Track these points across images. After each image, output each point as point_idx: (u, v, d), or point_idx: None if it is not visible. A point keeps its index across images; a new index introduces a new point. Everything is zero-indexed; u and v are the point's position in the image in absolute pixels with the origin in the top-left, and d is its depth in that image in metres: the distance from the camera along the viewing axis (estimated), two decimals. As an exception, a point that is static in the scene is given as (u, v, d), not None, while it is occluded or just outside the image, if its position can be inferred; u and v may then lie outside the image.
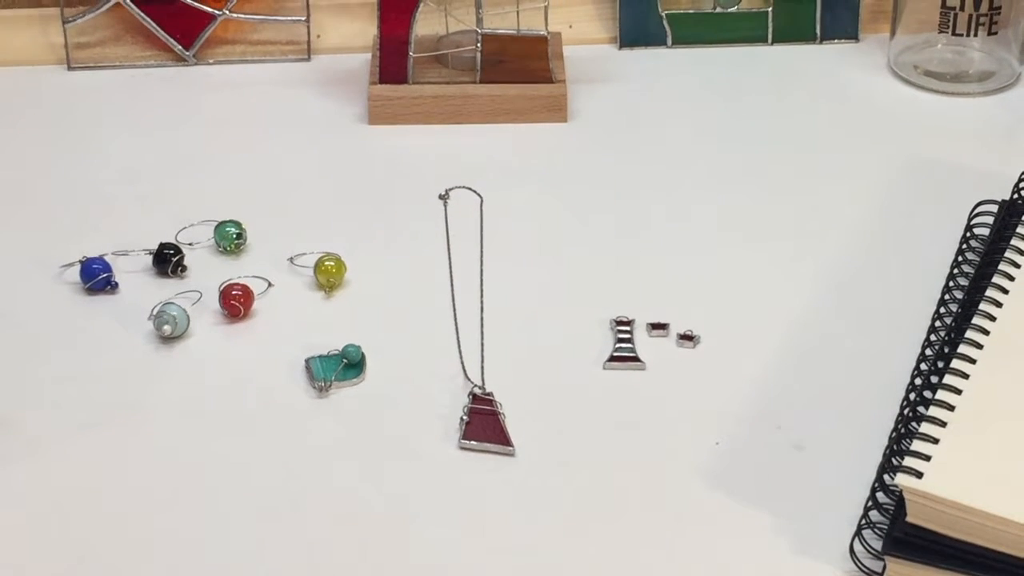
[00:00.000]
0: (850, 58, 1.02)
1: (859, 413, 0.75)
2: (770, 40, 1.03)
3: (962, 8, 0.98)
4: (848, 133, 0.96)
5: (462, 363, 0.79)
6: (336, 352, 0.78)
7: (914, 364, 0.76)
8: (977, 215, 0.85)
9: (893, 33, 1.01)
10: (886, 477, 0.68)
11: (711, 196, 0.91)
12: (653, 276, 0.85)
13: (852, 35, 1.04)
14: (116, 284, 0.83)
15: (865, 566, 0.66)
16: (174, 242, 0.86)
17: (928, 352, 0.76)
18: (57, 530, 0.69)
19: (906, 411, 0.72)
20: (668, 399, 0.77)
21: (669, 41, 1.03)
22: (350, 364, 0.78)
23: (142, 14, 1.00)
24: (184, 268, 0.85)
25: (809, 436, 0.74)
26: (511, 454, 0.73)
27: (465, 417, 0.74)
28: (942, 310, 0.79)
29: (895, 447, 0.69)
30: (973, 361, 0.70)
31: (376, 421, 0.75)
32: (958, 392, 0.69)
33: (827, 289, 0.83)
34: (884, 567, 0.66)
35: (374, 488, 0.71)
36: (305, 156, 0.94)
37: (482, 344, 0.80)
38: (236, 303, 0.81)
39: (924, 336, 0.78)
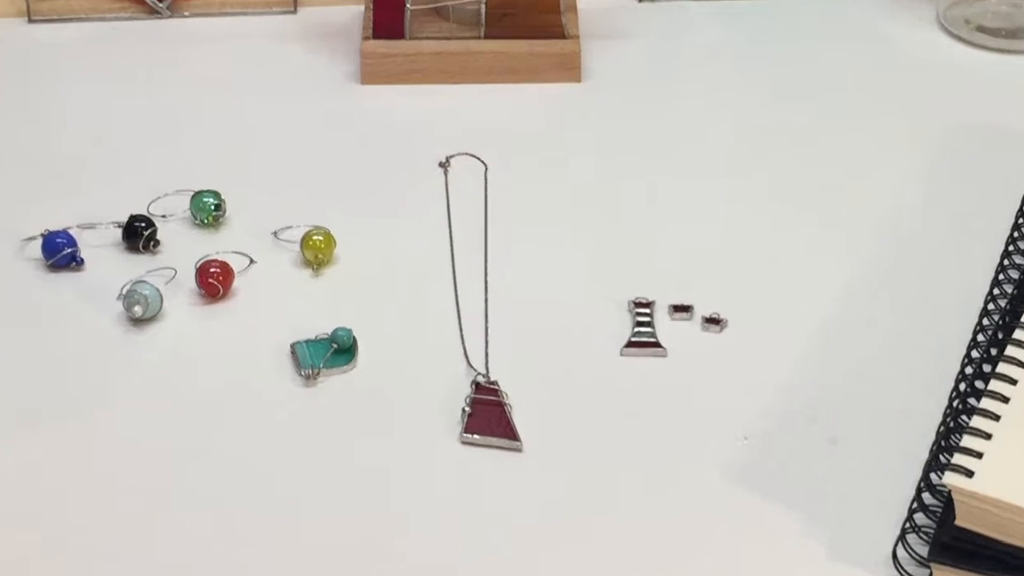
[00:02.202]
0: (895, 11, 1.02)
1: (902, 405, 0.75)
2: (805, -11, 1.04)
3: (1019, -43, 0.99)
4: (891, 94, 0.96)
5: (464, 349, 0.79)
6: (325, 336, 0.78)
7: (964, 351, 0.77)
8: (1034, 185, 0.87)
9: (943, -16, 1.03)
10: (933, 476, 0.68)
11: (739, 164, 0.91)
12: (675, 253, 0.85)
13: (898, -17, 1.05)
14: (82, 260, 0.83)
15: (909, 573, 0.66)
16: (146, 214, 0.86)
17: (980, 338, 0.76)
18: (15, 522, 0.69)
19: (955, 403, 0.72)
20: (691, 389, 0.77)
21: (693, -8, 1.04)
22: (340, 350, 0.78)
23: (110, -40, 1.01)
24: (157, 243, 0.85)
25: (846, 430, 0.74)
26: (518, 449, 0.73)
27: (467, 409, 0.74)
28: (995, 291, 0.79)
29: (943, 443, 0.69)
30: (1031, 347, 0.71)
31: (369, 413, 0.75)
32: (1013, 382, 0.68)
33: (867, 267, 0.83)
34: (930, 574, 0.66)
35: (366, 486, 0.71)
36: (291, 119, 0.94)
37: (486, 328, 0.80)
38: (214, 282, 0.81)
39: (975, 320, 0.78)
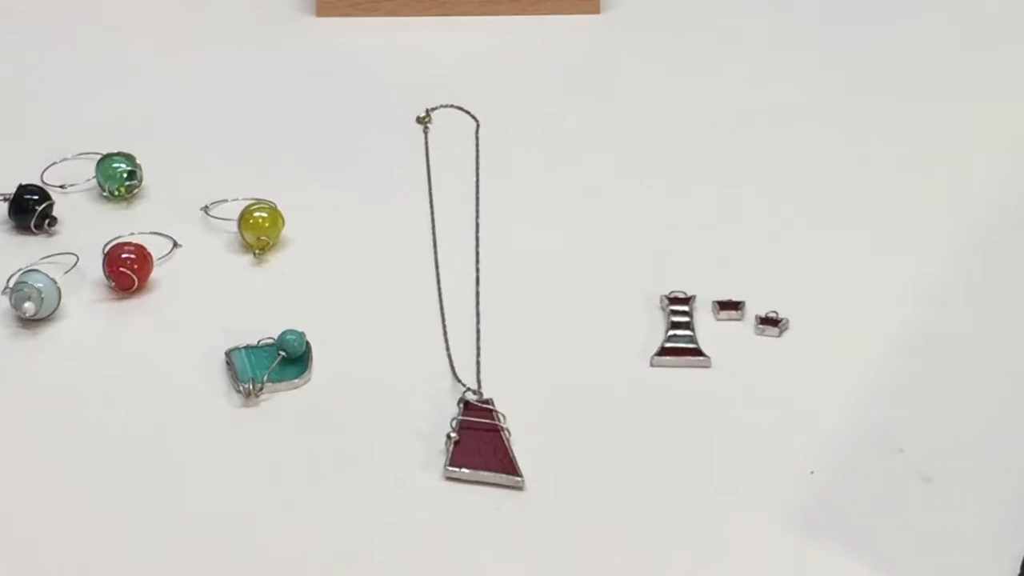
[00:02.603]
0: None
1: (1009, 433, 0.75)
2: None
3: None
4: (993, 41, 0.97)
5: (449, 358, 0.78)
6: (270, 342, 0.78)
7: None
8: None
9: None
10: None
11: (800, 127, 0.92)
12: (721, 236, 0.85)
13: None
14: (-43, 243, 0.83)
15: (1025, 648, 0.67)
16: (39, 184, 0.86)
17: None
18: None
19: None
20: (742, 409, 0.76)
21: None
22: (289, 359, 0.77)
23: None
24: (53, 221, 0.85)
25: (942, 464, 0.74)
26: (519, 487, 0.72)
27: (454, 435, 0.74)
28: None
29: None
30: None
31: (326, 440, 0.75)
32: None
33: (966, 263, 0.83)
34: (1052, 649, 0.66)
35: (322, 535, 0.71)
36: (227, 63, 0.95)
37: (478, 331, 0.79)
38: (127, 271, 0.81)
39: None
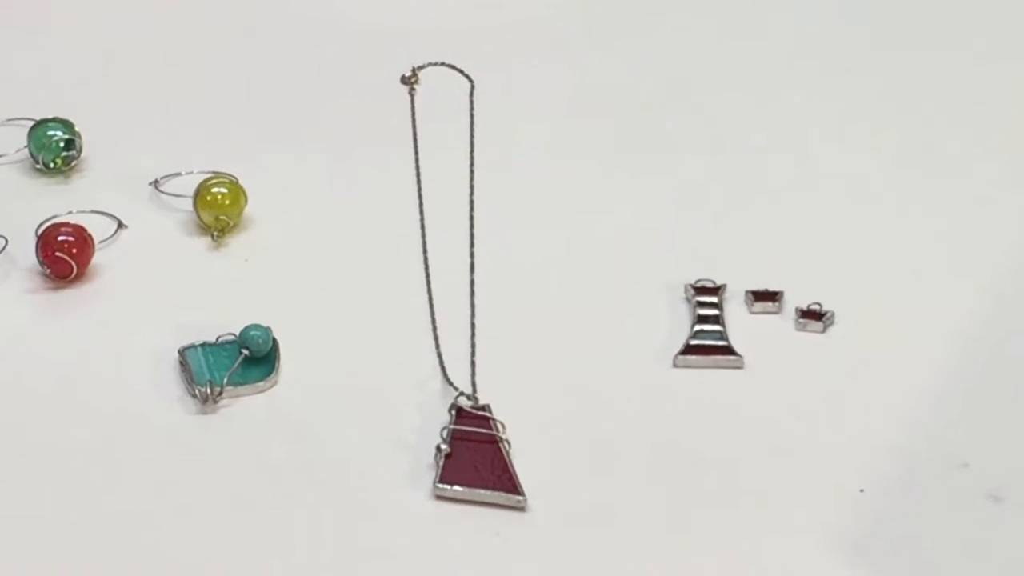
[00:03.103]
0: None
1: None
2: None
3: None
4: None
5: (439, 357, 0.79)
6: (231, 338, 0.78)
7: None
8: None
9: None
10: None
11: (853, 89, 0.93)
12: (755, 215, 0.86)
13: None
14: None
15: None
16: None
17: None
18: None
19: None
20: (780, 417, 0.76)
21: None
22: (253, 358, 0.77)
23: None
24: None
25: (1012, 480, 0.74)
26: (520, 508, 0.72)
27: (444, 446, 0.74)
28: None
29: None
30: None
31: (294, 452, 0.75)
32: None
33: None
34: None
35: (292, 561, 0.71)
36: (181, 11, 0.97)
37: (472, 326, 0.80)
38: (64, 256, 0.81)
39: None
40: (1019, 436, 0.76)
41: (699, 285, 0.81)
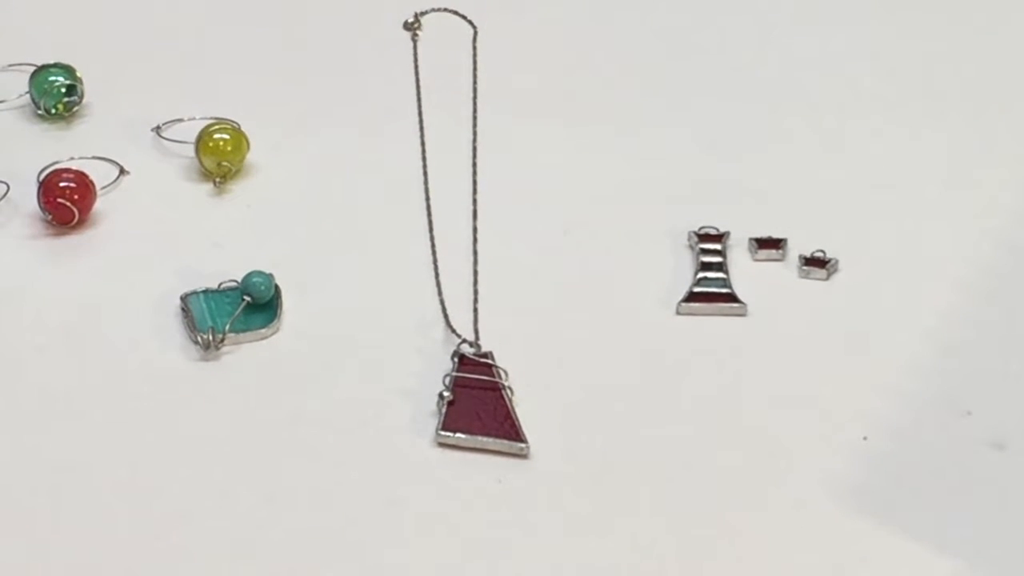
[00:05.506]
0: None
1: None
2: None
3: None
4: None
5: (442, 304, 0.78)
6: (233, 285, 0.78)
7: None
8: None
9: None
10: None
11: (851, 34, 0.92)
12: (759, 162, 0.85)
13: None
14: None
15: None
16: None
17: None
18: None
19: None
20: (783, 364, 0.76)
21: None
22: (256, 304, 0.77)
23: None
24: None
25: (1015, 428, 0.74)
26: (523, 455, 0.72)
27: (447, 394, 0.74)
28: None
29: None
30: None
31: (296, 400, 0.75)
32: None
33: None
34: None
35: (294, 508, 0.71)
36: None
37: (475, 274, 0.80)
38: (66, 202, 0.81)
39: None
40: (1022, 384, 0.76)
41: (703, 232, 0.81)
